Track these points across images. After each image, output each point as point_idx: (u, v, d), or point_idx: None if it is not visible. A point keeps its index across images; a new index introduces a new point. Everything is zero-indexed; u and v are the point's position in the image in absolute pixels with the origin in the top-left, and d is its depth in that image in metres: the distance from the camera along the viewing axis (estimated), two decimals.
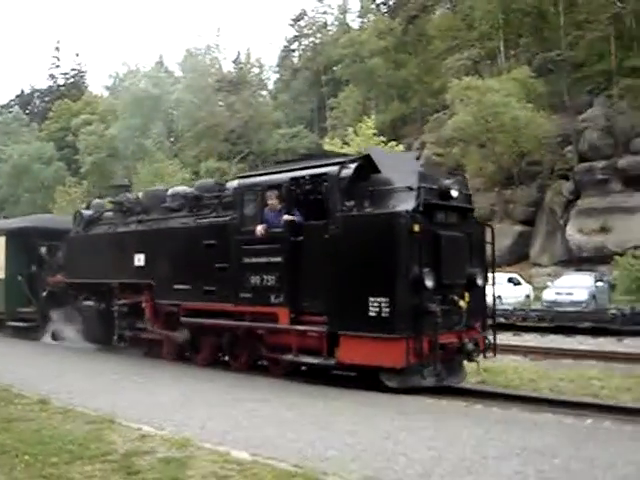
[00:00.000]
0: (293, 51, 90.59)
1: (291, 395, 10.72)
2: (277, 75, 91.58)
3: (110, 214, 17.67)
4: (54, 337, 19.01)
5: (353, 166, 11.32)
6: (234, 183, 13.61)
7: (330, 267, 11.15)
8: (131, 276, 15.43)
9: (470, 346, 11.29)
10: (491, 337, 11.88)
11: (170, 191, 15.76)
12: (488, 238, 12.31)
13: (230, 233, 12.84)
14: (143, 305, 15.03)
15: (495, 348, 11.86)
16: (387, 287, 10.38)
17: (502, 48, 55.73)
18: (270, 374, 12.40)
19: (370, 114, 48.98)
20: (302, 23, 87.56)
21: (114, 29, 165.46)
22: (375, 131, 38.35)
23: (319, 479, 6.27)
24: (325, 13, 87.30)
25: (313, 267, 11.50)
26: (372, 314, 10.35)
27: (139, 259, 15.18)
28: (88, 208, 18.89)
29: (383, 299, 10.26)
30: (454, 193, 11.26)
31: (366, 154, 11.88)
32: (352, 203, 11.08)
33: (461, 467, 6.61)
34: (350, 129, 39.11)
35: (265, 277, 12.04)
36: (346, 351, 10.81)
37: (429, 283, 10.43)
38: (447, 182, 11.44)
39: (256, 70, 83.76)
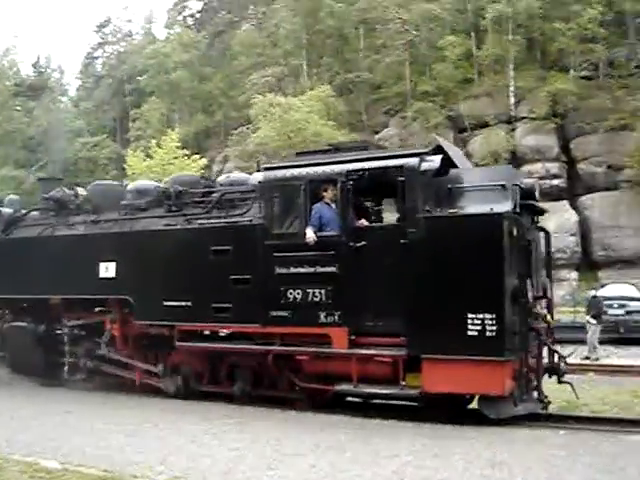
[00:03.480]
0: (97, 58, 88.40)
1: (100, 406, 10.93)
2: (79, 82, 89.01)
3: (37, 213, 14.72)
4: None
5: (438, 158, 9.60)
6: (258, 176, 11.21)
7: (409, 278, 9.35)
8: (93, 290, 12.51)
9: (563, 366, 10.10)
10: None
11: (131, 186, 13.55)
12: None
13: (254, 237, 10.59)
14: (108, 327, 12.41)
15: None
16: (492, 301, 8.81)
17: (305, 67, 57.54)
18: (298, 408, 10.38)
19: (174, 126, 48.98)
20: (106, 30, 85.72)
21: None
22: (179, 144, 38.47)
23: None
24: (130, 21, 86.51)
25: (382, 278, 9.64)
26: (472, 333, 8.78)
27: (106, 268, 12.28)
28: (1, 205, 15.30)
29: (488, 315, 8.72)
30: (537, 194, 9.98)
31: (437, 145, 10.25)
32: (431, 202, 9.40)
33: (262, 464, 7.24)
34: (154, 141, 38.97)
35: (311, 291, 9.99)
36: (433, 378, 9.09)
37: (530, 295, 9.32)
38: (529, 181, 10.19)
39: (57, 75, 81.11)
